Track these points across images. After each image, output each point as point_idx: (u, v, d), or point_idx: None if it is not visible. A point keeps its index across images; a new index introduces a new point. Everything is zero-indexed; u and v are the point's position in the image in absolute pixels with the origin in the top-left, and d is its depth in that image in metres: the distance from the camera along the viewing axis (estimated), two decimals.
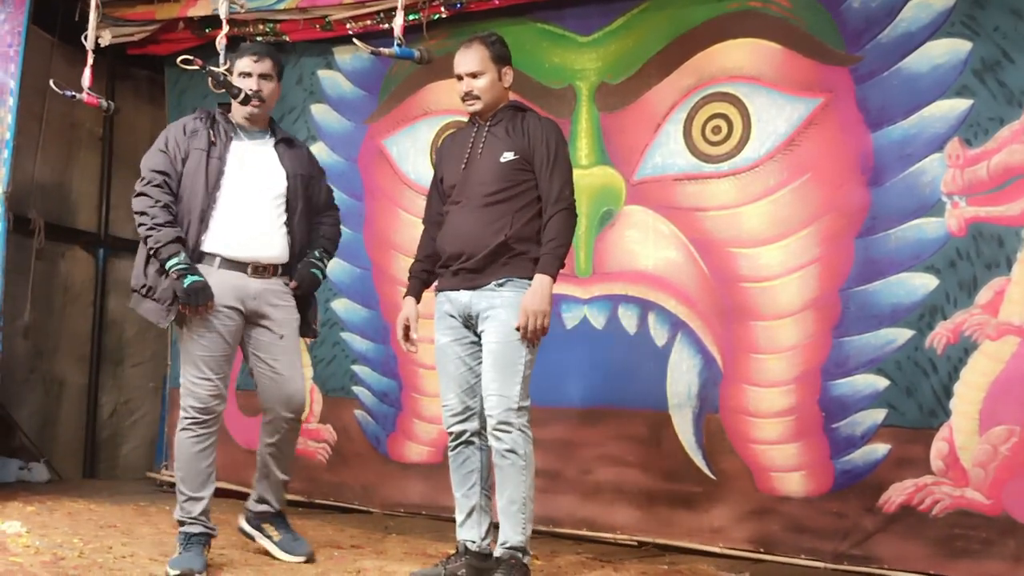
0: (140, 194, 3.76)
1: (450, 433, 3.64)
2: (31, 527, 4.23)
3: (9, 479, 5.72)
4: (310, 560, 3.85)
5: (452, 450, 3.64)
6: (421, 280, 3.76)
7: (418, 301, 3.73)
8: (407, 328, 3.69)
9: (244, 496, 5.49)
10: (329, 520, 4.73)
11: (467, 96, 3.60)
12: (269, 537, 3.97)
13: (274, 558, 3.91)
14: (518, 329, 3.42)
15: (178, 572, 3.48)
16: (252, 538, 4.03)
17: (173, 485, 5.59)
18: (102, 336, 6.51)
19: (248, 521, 4.04)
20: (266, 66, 3.84)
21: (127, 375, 6.65)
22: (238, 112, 3.89)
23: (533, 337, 3.43)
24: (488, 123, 3.62)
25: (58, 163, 6.28)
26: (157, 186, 3.73)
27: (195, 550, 3.64)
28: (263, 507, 3.99)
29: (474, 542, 3.59)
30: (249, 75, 3.82)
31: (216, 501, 3.86)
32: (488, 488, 3.64)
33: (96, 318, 6.48)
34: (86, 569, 3.51)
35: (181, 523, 3.73)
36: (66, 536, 4.12)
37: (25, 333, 5.99)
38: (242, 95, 3.80)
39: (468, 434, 3.61)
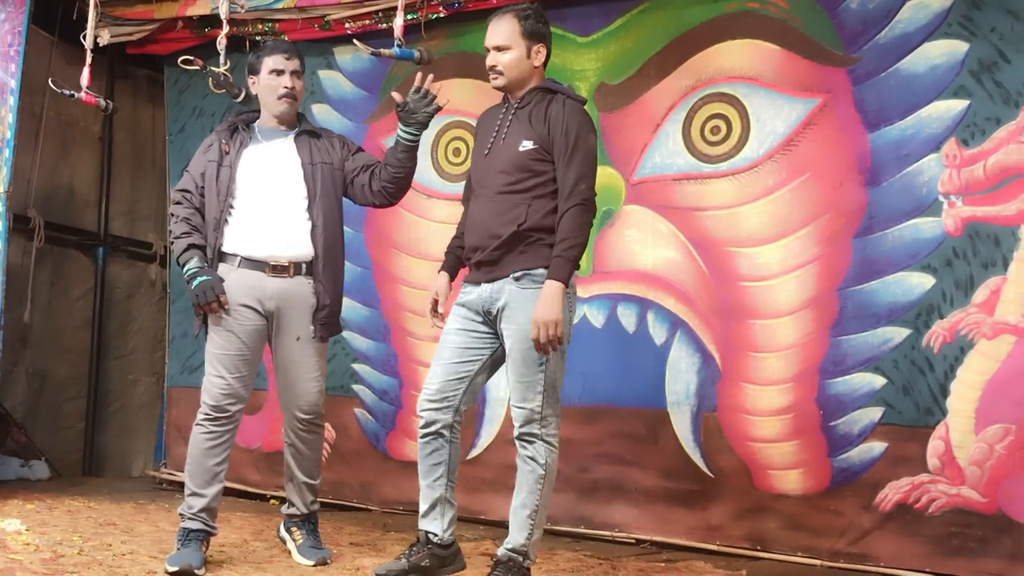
0: (169, 215, 3.94)
1: (420, 417, 3.52)
2: (31, 525, 4.24)
3: (9, 477, 5.73)
4: (319, 565, 3.83)
5: (422, 438, 3.53)
6: (456, 256, 3.63)
7: (452, 278, 3.63)
8: (435, 302, 3.59)
9: (241, 494, 5.57)
10: (328, 518, 4.72)
11: (491, 70, 3.47)
12: (294, 541, 3.96)
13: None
14: (534, 340, 3.28)
15: (176, 568, 3.48)
16: (285, 543, 4.04)
17: (172, 484, 5.68)
18: (101, 335, 6.52)
19: (283, 525, 4.05)
20: (296, 64, 3.85)
21: (118, 373, 6.65)
22: (269, 113, 3.88)
23: (546, 348, 3.27)
24: (517, 105, 3.48)
25: (58, 162, 6.28)
26: (177, 203, 3.89)
27: (193, 546, 3.64)
28: (292, 510, 4.00)
29: (436, 535, 3.50)
30: (281, 72, 3.82)
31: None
32: (454, 481, 3.55)
33: (95, 317, 6.48)
34: (85, 567, 3.50)
35: (182, 516, 3.74)
36: (66, 534, 4.13)
37: (24, 332, 6.00)
38: (243, 95, 3.81)
39: (439, 425, 3.49)
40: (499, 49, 3.44)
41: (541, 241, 3.34)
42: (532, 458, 3.37)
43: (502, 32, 3.44)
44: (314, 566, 3.81)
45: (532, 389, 3.35)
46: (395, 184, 3.85)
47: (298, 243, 3.79)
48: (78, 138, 6.42)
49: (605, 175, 4.69)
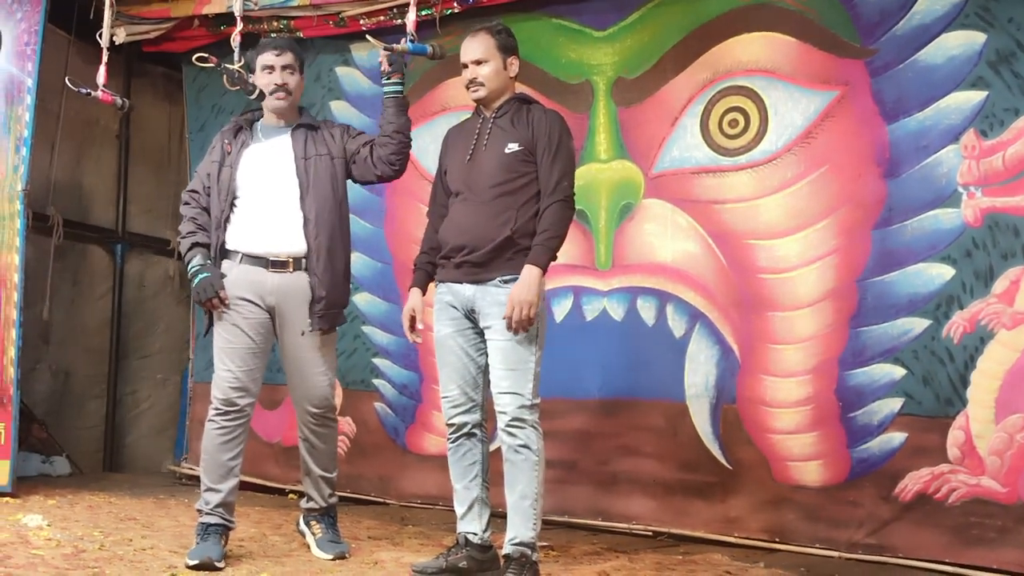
0: (180, 214, 3.98)
1: (450, 425, 3.64)
2: (52, 520, 4.27)
3: (31, 473, 5.76)
4: (338, 559, 3.84)
5: (452, 442, 3.65)
6: (426, 272, 3.75)
7: (424, 293, 3.75)
8: (412, 320, 3.71)
9: (263, 489, 5.60)
10: (346, 511, 4.74)
11: (471, 83, 3.60)
12: (313, 535, 3.99)
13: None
14: (506, 318, 3.41)
15: (197, 562, 3.50)
16: (304, 536, 4.06)
17: (192, 479, 5.70)
18: (120, 331, 6.55)
19: (302, 519, 4.08)
20: (288, 59, 3.86)
21: (137, 368, 6.69)
22: (267, 110, 3.91)
23: (518, 327, 3.40)
24: (493, 115, 3.62)
25: (75, 160, 6.32)
26: (186, 203, 3.96)
27: (212, 540, 3.66)
28: (310, 504, 4.02)
29: (475, 534, 3.61)
30: (272, 68, 3.84)
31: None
32: (488, 480, 3.65)
33: (114, 314, 6.52)
34: (107, 562, 3.53)
35: (200, 512, 3.76)
36: (87, 529, 4.16)
37: (44, 329, 6.03)
38: (256, 92, 3.82)
39: (470, 426, 3.61)
40: (477, 63, 3.59)
41: (529, 250, 3.47)
42: (525, 446, 3.44)
43: (478, 47, 3.60)
44: (332, 560, 3.82)
45: (525, 376, 3.46)
46: (393, 150, 3.83)
47: (294, 238, 3.81)
48: (96, 136, 6.46)
49: (624, 169, 4.75)
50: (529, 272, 3.41)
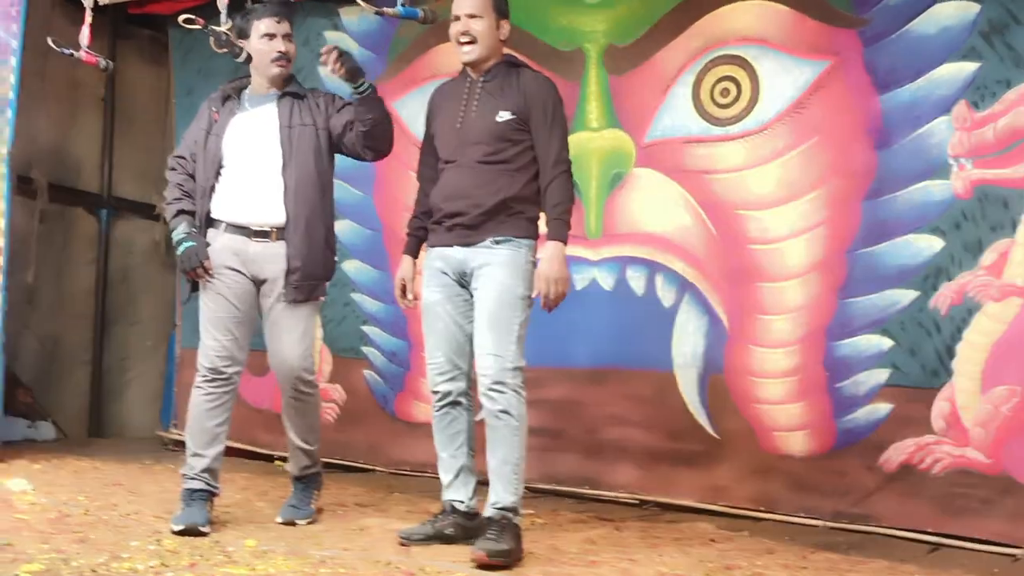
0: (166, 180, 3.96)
1: (435, 392, 3.62)
2: (37, 485, 4.28)
3: (16, 437, 5.74)
4: (286, 524, 3.85)
5: (438, 411, 3.63)
6: (418, 238, 3.73)
7: (415, 259, 3.74)
8: (404, 286, 3.70)
9: (251, 455, 5.59)
10: (334, 479, 4.75)
11: (464, 35, 3.52)
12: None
13: None
14: (537, 296, 3.42)
15: (182, 527, 3.52)
16: None
17: (180, 444, 5.70)
18: (106, 297, 6.53)
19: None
20: (287, 27, 3.82)
21: (123, 334, 6.68)
22: (261, 76, 3.84)
23: (554, 304, 3.42)
24: (482, 79, 3.56)
25: (61, 123, 6.27)
26: (172, 169, 3.94)
27: (197, 506, 3.67)
28: (288, 467, 4.06)
29: (462, 502, 3.62)
30: (273, 36, 3.78)
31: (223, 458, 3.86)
32: (474, 448, 3.64)
33: (100, 279, 6.49)
34: (91, 526, 3.54)
35: (185, 477, 3.76)
36: (72, 494, 4.16)
37: (30, 294, 6.00)
38: (245, 56, 3.78)
39: (455, 394, 3.59)
40: (471, 16, 3.51)
41: (521, 214, 3.48)
42: (505, 411, 3.41)
43: (474, 1, 3.52)
44: (281, 523, 3.83)
45: (507, 339, 3.42)
46: (373, 140, 3.80)
47: (275, 207, 3.78)
48: (81, 99, 6.40)
49: (615, 138, 4.73)
50: (555, 248, 3.41)
